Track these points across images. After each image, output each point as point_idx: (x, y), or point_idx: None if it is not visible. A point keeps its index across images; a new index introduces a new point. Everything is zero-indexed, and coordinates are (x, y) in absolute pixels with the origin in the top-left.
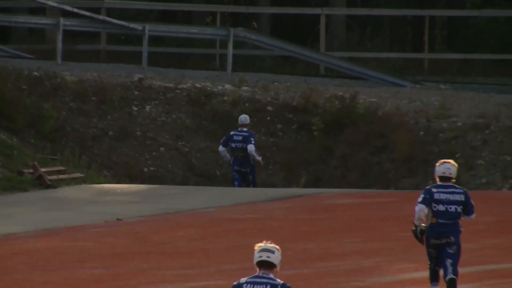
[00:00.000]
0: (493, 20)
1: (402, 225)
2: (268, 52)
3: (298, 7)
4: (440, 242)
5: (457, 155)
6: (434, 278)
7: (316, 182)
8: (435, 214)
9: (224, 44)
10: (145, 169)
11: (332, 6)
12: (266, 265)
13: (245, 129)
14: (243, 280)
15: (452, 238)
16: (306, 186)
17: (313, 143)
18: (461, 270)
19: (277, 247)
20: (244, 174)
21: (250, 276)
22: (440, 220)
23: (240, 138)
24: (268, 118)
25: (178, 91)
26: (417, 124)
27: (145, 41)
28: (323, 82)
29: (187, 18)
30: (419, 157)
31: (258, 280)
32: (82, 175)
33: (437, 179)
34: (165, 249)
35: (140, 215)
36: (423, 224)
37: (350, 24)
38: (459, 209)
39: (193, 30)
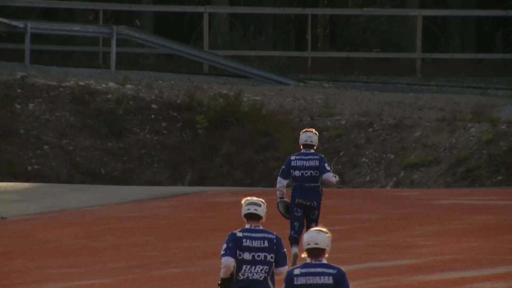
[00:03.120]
0: (375, 19)
1: (286, 223)
2: (151, 50)
3: (181, 5)
4: (305, 204)
5: (341, 153)
6: (295, 241)
7: (201, 180)
8: (294, 179)
9: (107, 42)
10: (29, 168)
11: (215, 5)
12: (253, 217)
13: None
14: (239, 234)
15: (315, 203)
16: (191, 184)
17: (198, 141)
18: (346, 267)
19: (263, 200)
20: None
21: (243, 229)
22: (298, 184)
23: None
24: (153, 116)
25: (61, 89)
26: (301, 122)
27: (28, 39)
28: (207, 80)
29: (70, 16)
30: None
31: (254, 234)
32: None
33: (301, 147)
34: (50, 247)
35: (25, 214)
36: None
37: (234, 22)
38: (314, 173)
39: (76, 28)
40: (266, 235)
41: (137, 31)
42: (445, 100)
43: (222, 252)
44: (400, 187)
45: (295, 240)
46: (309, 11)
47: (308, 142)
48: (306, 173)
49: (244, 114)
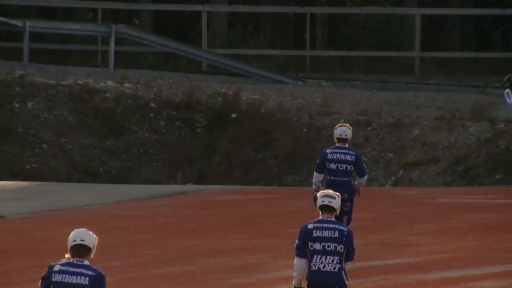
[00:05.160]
0: (373, 18)
1: (286, 222)
2: (150, 48)
3: (180, 4)
4: None
5: None
6: None
7: (200, 179)
8: (329, 172)
9: (106, 41)
10: (28, 166)
11: (213, 3)
12: (327, 209)
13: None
14: (311, 225)
15: (346, 195)
16: (189, 183)
17: (196, 140)
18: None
19: (338, 194)
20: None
21: (315, 220)
22: (332, 178)
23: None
24: (151, 114)
25: (60, 87)
26: (300, 121)
27: (26, 38)
28: (206, 79)
29: (68, 15)
30: (302, 154)
31: (325, 225)
32: None
33: (336, 141)
34: (48, 246)
35: (23, 212)
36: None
37: (232, 21)
38: (349, 168)
39: (75, 27)
40: (337, 226)
41: (135, 29)
42: (444, 99)
43: (296, 251)
44: (399, 185)
45: None
46: (307, 10)
47: (343, 136)
48: (341, 166)
49: (243, 112)
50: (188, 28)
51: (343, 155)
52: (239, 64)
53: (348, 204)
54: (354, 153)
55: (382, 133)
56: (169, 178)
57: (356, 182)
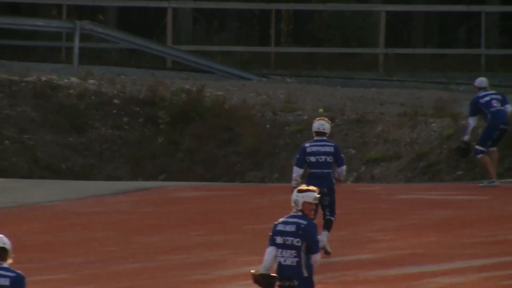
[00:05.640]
0: (338, 14)
1: (247, 218)
2: (115, 45)
3: (145, 0)
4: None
5: None
6: None
7: (162, 175)
8: (309, 165)
9: (70, 37)
10: None
11: (178, 0)
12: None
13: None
14: (280, 219)
15: (325, 190)
16: (151, 179)
17: (159, 136)
18: None
19: (314, 189)
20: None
21: (287, 215)
22: (313, 170)
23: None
24: (115, 111)
25: (23, 84)
26: (264, 117)
27: None
28: (170, 75)
29: (33, 11)
30: (265, 150)
31: (289, 219)
32: None
33: (314, 135)
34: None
35: None
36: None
37: (197, 17)
38: (329, 159)
39: (39, 23)
40: (298, 220)
41: (100, 26)
42: (407, 95)
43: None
44: (361, 182)
45: None
46: (273, 6)
47: (321, 130)
48: (320, 158)
49: (206, 109)
50: (153, 24)
51: (321, 147)
52: (203, 61)
53: (327, 198)
54: (333, 144)
55: (345, 130)
56: (131, 175)
57: (336, 174)
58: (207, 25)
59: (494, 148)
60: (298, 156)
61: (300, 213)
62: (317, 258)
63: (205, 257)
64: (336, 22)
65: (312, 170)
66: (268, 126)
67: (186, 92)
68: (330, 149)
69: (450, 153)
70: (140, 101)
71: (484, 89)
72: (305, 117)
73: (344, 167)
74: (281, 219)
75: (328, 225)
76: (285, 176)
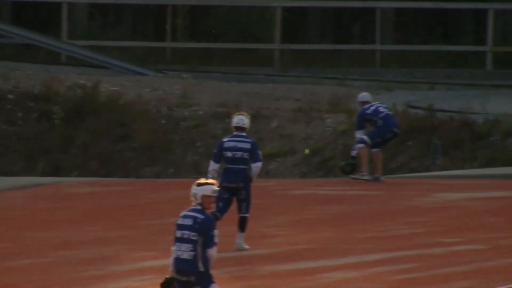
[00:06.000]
0: (235, 9)
1: (141, 214)
2: (9, 39)
3: None
4: (231, 186)
5: (198, 143)
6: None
7: (56, 170)
8: (225, 160)
9: None
10: None
11: None
12: (192, 197)
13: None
14: (182, 213)
15: (241, 184)
16: (46, 174)
17: (53, 132)
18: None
19: (213, 182)
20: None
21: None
22: (229, 166)
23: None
24: (9, 106)
25: None
26: (159, 112)
27: None
28: (65, 71)
29: None
30: (160, 146)
31: (188, 213)
32: None
33: (234, 130)
34: None
35: None
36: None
37: (93, 12)
38: (245, 155)
39: None
40: (195, 214)
41: None
42: (302, 90)
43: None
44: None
45: (217, 218)
46: (169, 1)
47: (240, 125)
48: (237, 154)
49: (102, 104)
50: (48, 19)
51: (239, 143)
52: (99, 56)
53: (244, 192)
54: (250, 141)
55: None
56: (25, 170)
57: (249, 171)
58: (103, 20)
59: (378, 149)
60: (215, 150)
61: (199, 207)
62: (213, 252)
63: (99, 252)
64: (232, 18)
65: (228, 165)
66: (163, 121)
67: (81, 88)
68: (246, 145)
69: (345, 148)
70: (34, 96)
71: (367, 102)
72: (200, 113)
73: (258, 164)
74: (183, 212)
75: (242, 225)
76: (181, 171)
